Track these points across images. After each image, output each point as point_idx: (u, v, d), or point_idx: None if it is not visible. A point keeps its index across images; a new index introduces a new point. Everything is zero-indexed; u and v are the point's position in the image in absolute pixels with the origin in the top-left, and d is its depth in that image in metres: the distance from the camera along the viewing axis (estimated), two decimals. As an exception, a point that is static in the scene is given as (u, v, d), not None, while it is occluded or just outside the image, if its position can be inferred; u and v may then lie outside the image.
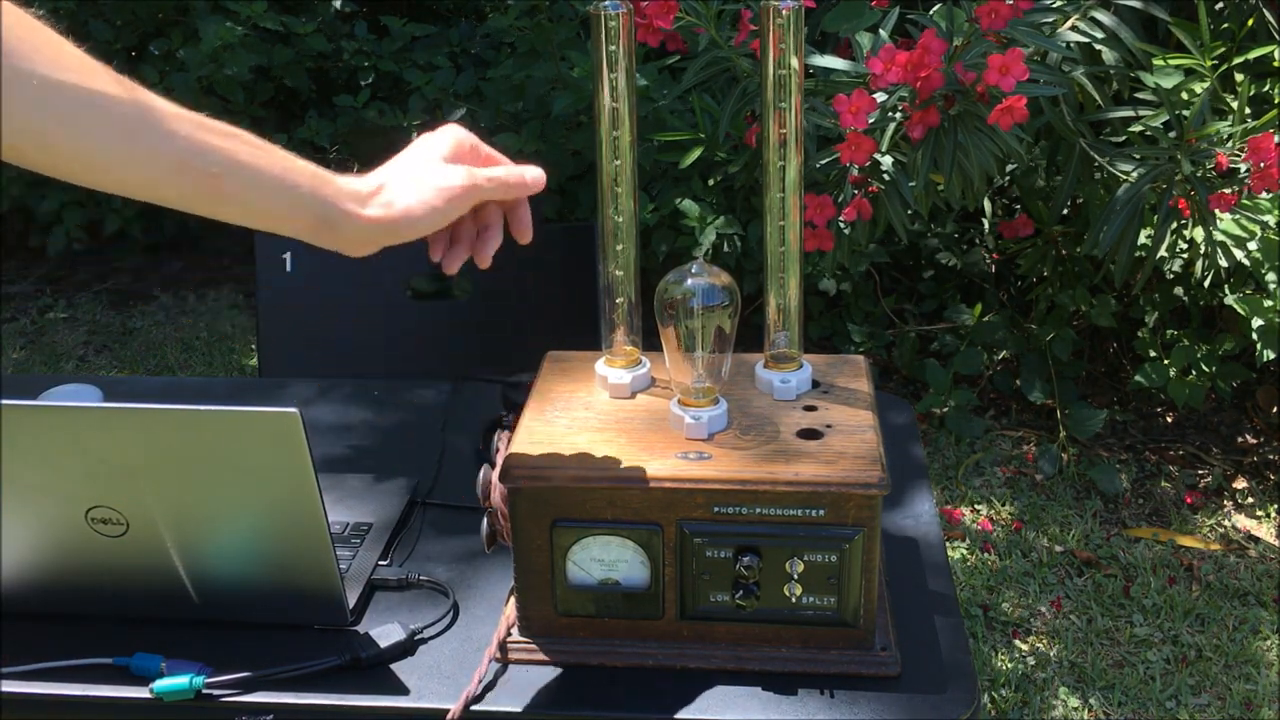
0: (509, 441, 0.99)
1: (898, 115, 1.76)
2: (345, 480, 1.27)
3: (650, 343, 1.07)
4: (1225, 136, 1.83)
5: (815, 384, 1.07)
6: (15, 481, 0.97)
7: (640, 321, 1.09)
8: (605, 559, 0.97)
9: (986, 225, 3.05)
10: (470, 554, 1.15)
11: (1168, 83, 1.88)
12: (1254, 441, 2.74)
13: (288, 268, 1.79)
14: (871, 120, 1.69)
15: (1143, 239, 2.02)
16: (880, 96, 1.74)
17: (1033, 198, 2.70)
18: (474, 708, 0.96)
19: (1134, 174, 1.93)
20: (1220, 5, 2.17)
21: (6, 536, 1.01)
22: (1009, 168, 2.52)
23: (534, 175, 0.93)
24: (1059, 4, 1.88)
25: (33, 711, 1.00)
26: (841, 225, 1.86)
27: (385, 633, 1.02)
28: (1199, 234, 1.92)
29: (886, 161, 1.83)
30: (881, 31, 1.79)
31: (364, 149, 3.60)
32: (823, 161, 1.81)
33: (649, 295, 1.01)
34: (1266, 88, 2.02)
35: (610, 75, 1.00)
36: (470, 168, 0.90)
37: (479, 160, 0.93)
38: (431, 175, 0.88)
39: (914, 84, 1.67)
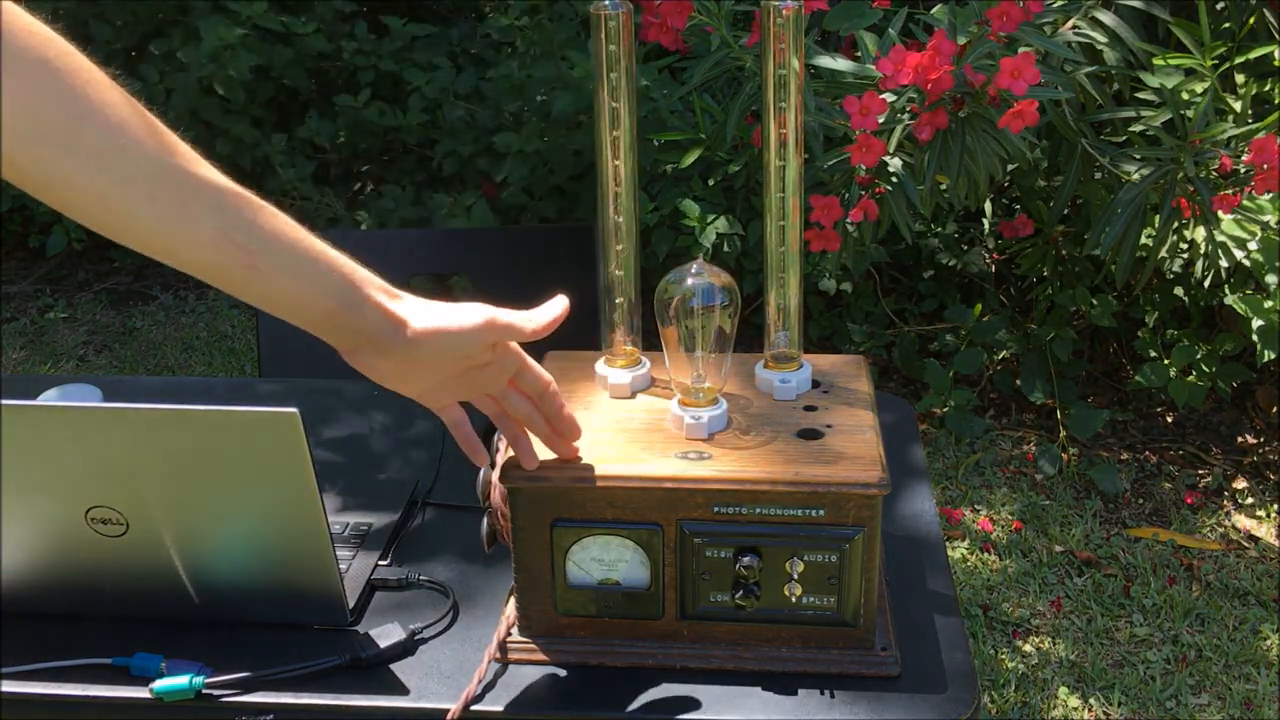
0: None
1: (906, 117, 1.75)
2: (345, 480, 1.27)
3: (650, 343, 1.06)
4: (1228, 138, 1.83)
5: (815, 384, 1.07)
6: (15, 481, 0.97)
7: (640, 321, 1.09)
8: (605, 559, 0.97)
9: (987, 225, 3.05)
10: (470, 554, 1.15)
11: (1169, 83, 1.88)
12: (1254, 441, 2.74)
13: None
14: (881, 121, 1.69)
15: (1143, 239, 2.02)
16: (889, 98, 1.74)
17: (1033, 198, 2.70)
18: (474, 708, 0.96)
19: (1136, 174, 1.93)
20: (1220, 5, 2.17)
21: (6, 536, 1.01)
22: (1009, 167, 2.52)
23: (553, 313, 0.96)
24: (1060, 4, 1.88)
25: (33, 711, 1.00)
26: (849, 226, 1.86)
27: (385, 633, 1.02)
28: (1200, 234, 1.92)
29: (895, 163, 1.82)
30: (891, 31, 1.78)
31: (364, 149, 3.60)
32: (830, 163, 1.80)
33: (649, 295, 1.01)
34: (1267, 88, 2.02)
35: (610, 75, 1.00)
36: (489, 306, 0.93)
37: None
38: (452, 308, 0.92)
39: (924, 86, 1.66)
